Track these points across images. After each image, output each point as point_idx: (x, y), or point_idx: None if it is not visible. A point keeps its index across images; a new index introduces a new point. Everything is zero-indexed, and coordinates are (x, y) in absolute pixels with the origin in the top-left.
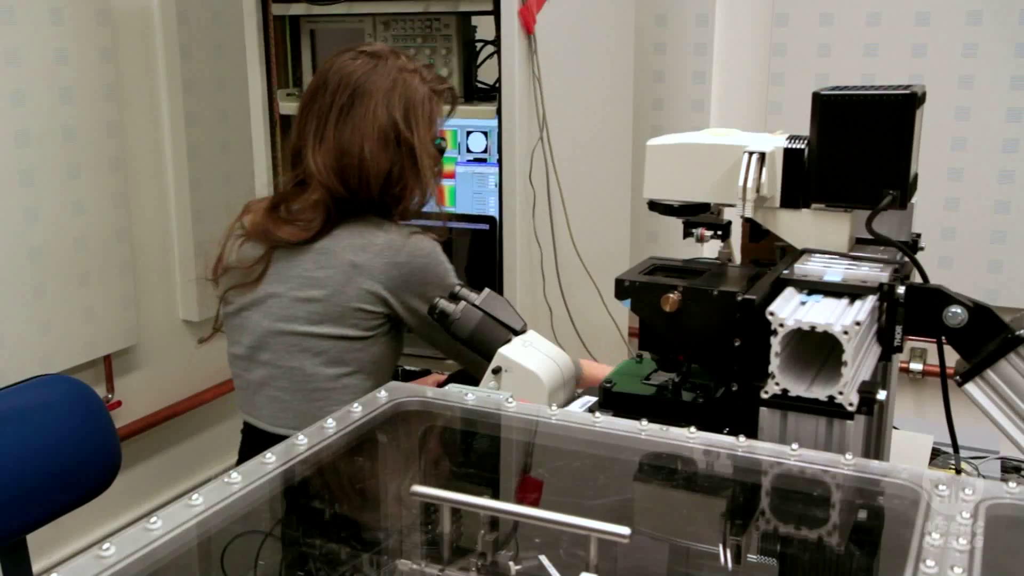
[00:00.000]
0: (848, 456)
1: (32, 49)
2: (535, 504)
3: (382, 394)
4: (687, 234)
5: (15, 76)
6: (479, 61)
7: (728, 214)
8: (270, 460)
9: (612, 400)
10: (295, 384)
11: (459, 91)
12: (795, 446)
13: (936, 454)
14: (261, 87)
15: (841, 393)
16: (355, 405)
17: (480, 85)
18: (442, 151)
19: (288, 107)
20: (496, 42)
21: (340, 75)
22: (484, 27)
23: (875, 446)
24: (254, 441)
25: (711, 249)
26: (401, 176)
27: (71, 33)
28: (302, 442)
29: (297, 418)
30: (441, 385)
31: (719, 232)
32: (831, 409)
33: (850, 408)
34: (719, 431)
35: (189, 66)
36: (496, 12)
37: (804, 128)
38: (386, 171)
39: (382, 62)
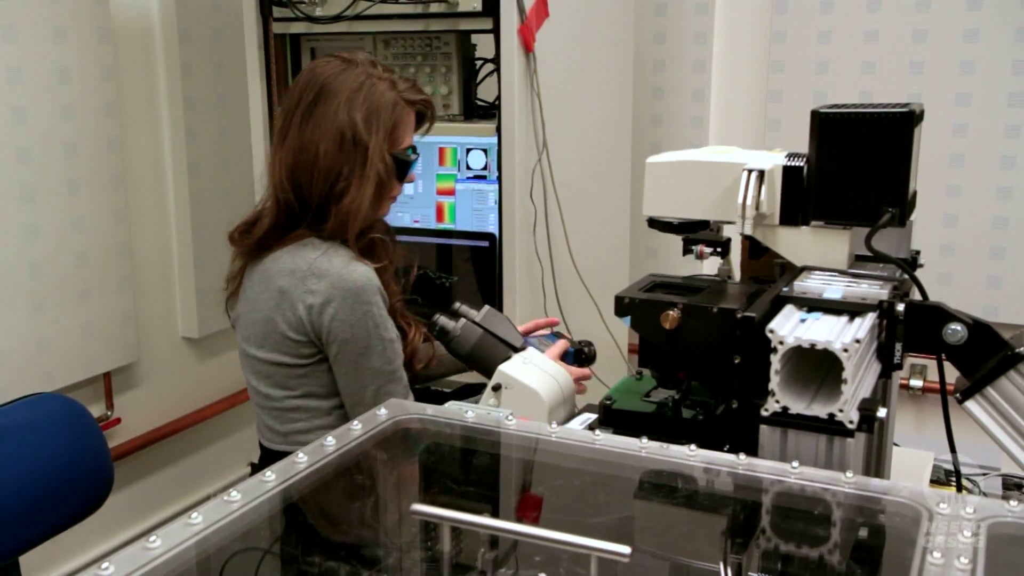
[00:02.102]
0: (849, 474)
1: (34, 67)
2: (535, 522)
3: (382, 411)
4: (687, 251)
5: (17, 93)
6: (479, 79)
7: (727, 231)
8: (270, 478)
9: (612, 417)
10: (260, 403)
11: (459, 109)
12: (795, 464)
13: (937, 471)
14: (261, 104)
15: (841, 411)
16: (355, 423)
17: (480, 103)
18: (408, 164)
19: None
20: (496, 60)
21: (311, 75)
22: (484, 45)
23: (876, 463)
24: (262, 455)
25: (711, 266)
26: (347, 178)
27: (73, 51)
28: (302, 460)
29: (274, 435)
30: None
31: (719, 249)
32: (831, 427)
33: (850, 426)
34: (719, 448)
35: (190, 83)
36: (496, 30)
37: (803, 145)
38: (336, 172)
39: (354, 66)
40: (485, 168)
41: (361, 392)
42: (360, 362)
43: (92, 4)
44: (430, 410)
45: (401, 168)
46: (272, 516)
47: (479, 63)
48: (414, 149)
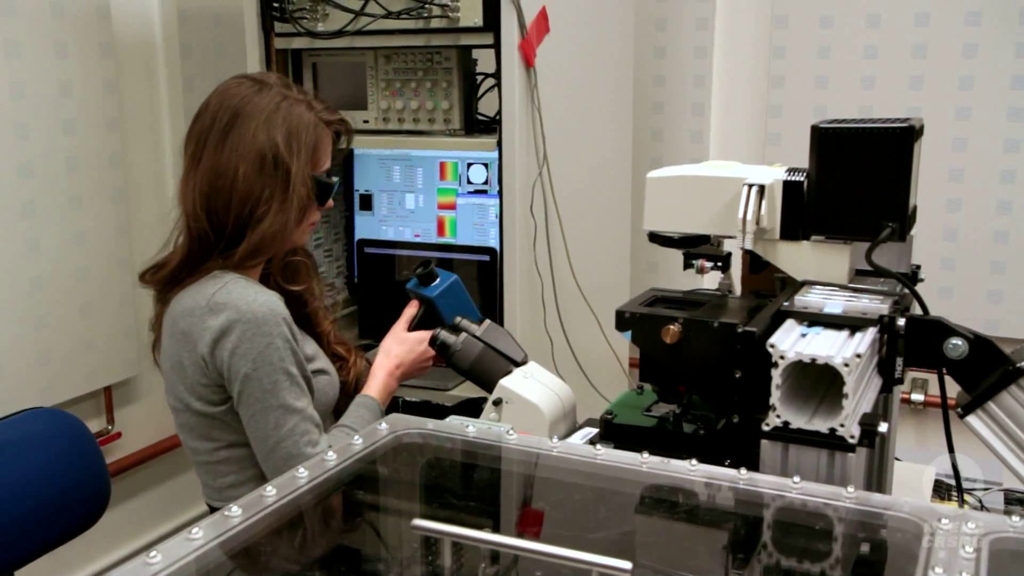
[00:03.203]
0: (850, 489)
1: (36, 82)
2: (536, 537)
3: (383, 426)
4: (687, 265)
5: (19, 108)
6: (480, 94)
7: (728, 246)
8: (270, 493)
9: (613, 432)
10: (191, 457)
11: (460, 123)
12: (797, 479)
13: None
14: None
15: (842, 425)
16: (356, 438)
17: (481, 117)
18: (330, 187)
19: None
20: (496, 75)
21: (223, 97)
22: (485, 60)
23: (877, 478)
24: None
25: (711, 280)
26: (268, 201)
27: (75, 66)
28: (303, 475)
29: (211, 491)
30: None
31: (719, 264)
32: (832, 441)
33: (852, 440)
34: (720, 463)
35: (192, 98)
36: (496, 46)
37: (803, 159)
38: (255, 196)
39: (267, 88)
40: (486, 182)
41: (271, 435)
42: (266, 400)
43: (94, 19)
44: (431, 424)
45: (322, 192)
46: (272, 531)
47: (480, 78)
48: (335, 172)
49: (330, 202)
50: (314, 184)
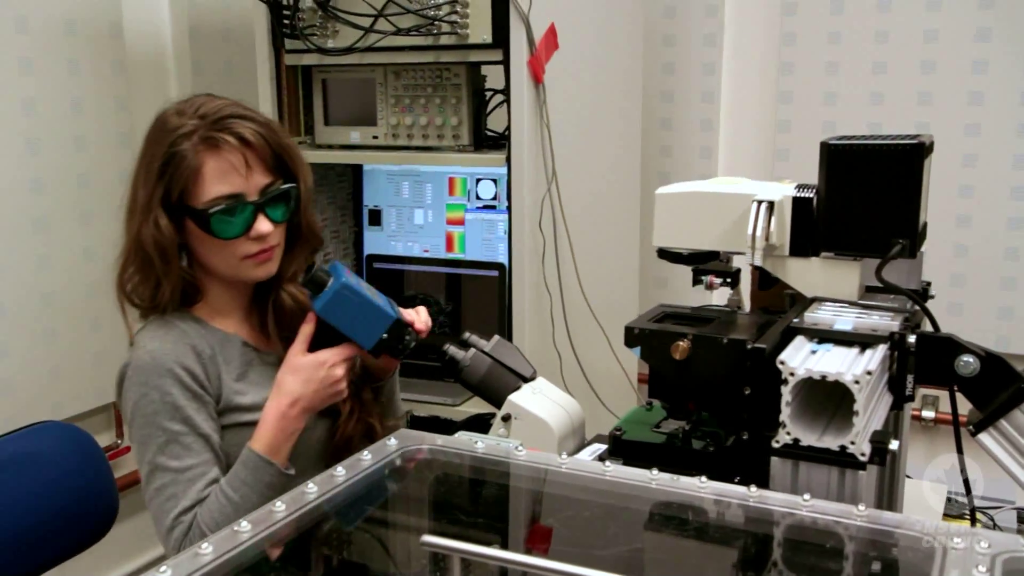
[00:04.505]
0: (861, 507)
1: (49, 98)
2: (545, 554)
3: (392, 442)
4: (696, 282)
5: (32, 124)
6: (489, 110)
7: (737, 262)
8: (280, 508)
9: (622, 448)
10: None
11: (469, 139)
12: (807, 496)
13: (950, 504)
14: None
15: (853, 443)
16: (364, 453)
17: (490, 133)
18: (209, 218)
19: None
20: (505, 91)
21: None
22: (493, 76)
23: (888, 496)
24: None
25: (720, 297)
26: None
27: (88, 82)
28: (312, 490)
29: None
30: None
31: (728, 280)
32: (843, 459)
33: (862, 458)
34: (729, 480)
35: None
36: (506, 62)
37: (811, 176)
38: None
39: (172, 120)
40: (495, 198)
41: (146, 487)
42: (142, 452)
43: (107, 37)
44: (440, 440)
45: (203, 223)
46: (282, 547)
47: (489, 94)
48: (234, 198)
49: (267, 226)
50: (197, 217)
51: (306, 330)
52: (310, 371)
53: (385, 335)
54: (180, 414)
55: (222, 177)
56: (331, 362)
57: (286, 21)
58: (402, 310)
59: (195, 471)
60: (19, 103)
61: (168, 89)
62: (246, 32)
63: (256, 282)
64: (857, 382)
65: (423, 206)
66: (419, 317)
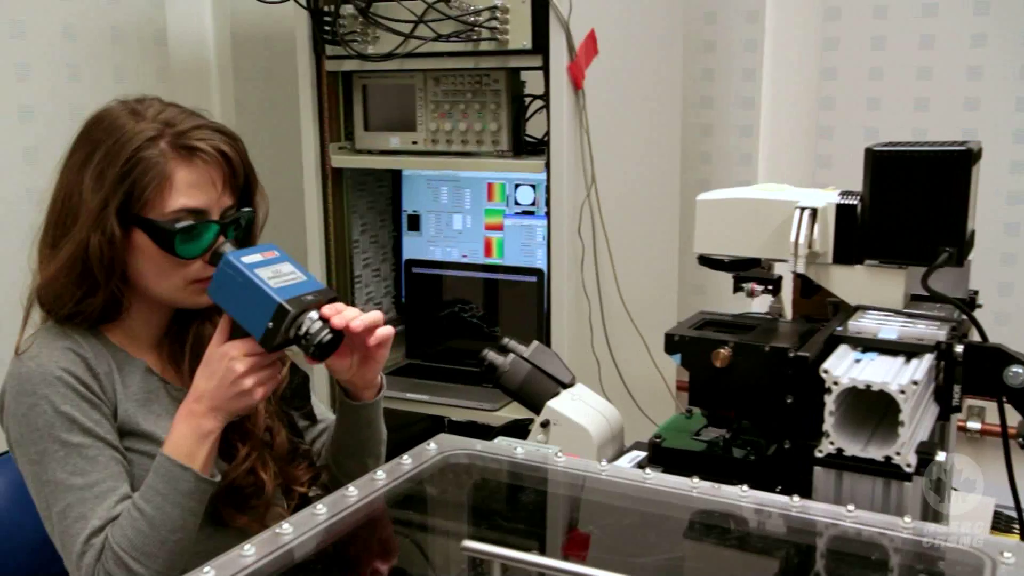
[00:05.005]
0: (907, 519)
1: (95, 105)
2: (585, 561)
3: (431, 446)
4: (737, 289)
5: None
6: (528, 115)
7: (779, 269)
8: (321, 512)
9: (662, 455)
10: None
11: (508, 145)
12: (851, 507)
13: (998, 517)
14: (314, 140)
15: (898, 454)
16: (404, 457)
17: (528, 139)
18: (173, 234)
19: (339, 160)
20: (545, 97)
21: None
22: (533, 82)
23: (934, 508)
24: None
25: (760, 304)
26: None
27: (132, 89)
28: (352, 493)
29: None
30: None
31: (770, 287)
32: (888, 470)
33: (908, 469)
34: (770, 489)
35: (244, 121)
36: (545, 67)
37: (853, 182)
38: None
39: (137, 117)
40: (533, 203)
41: (48, 512)
42: (39, 473)
43: (152, 44)
44: (479, 445)
45: (164, 238)
46: (323, 549)
47: (528, 99)
48: (197, 214)
49: (224, 243)
50: (155, 232)
51: (224, 320)
52: (213, 364)
53: (270, 323)
54: (78, 424)
55: (190, 190)
56: (231, 355)
57: (327, 28)
58: (332, 305)
59: (102, 487)
60: (67, 109)
61: (210, 96)
62: (287, 39)
63: (183, 309)
64: (903, 392)
65: (462, 211)
66: (349, 314)
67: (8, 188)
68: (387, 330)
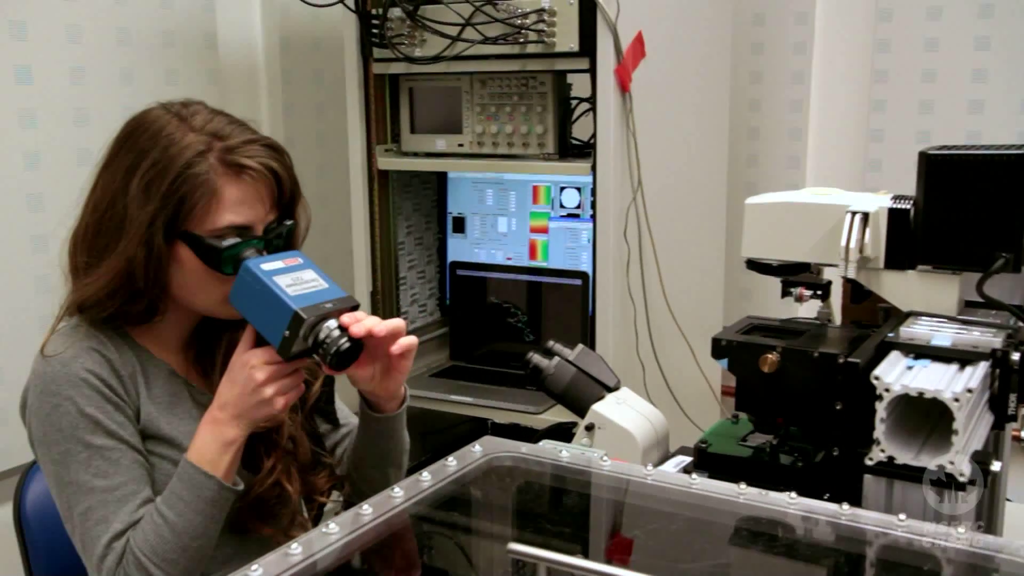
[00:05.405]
0: (960, 529)
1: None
2: (628, 566)
3: (476, 448)
4: (785, 293)
5: None
6: (574, 118)
7: (828, 274)
8: (367, 511)
9: (707, 461)
10: None
11: (554, 147)
12: (902, 516)
13: None
14: (361, 142)
15: (952, 463)
16: (450, 459)
17: (575, 141)
18: (219, 252)
19: (386, 162)
20: (591, 99)
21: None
22: (579, 84)
23: (987, 519)
24: None
25: (808, 309)
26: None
27: (184, 92)
28: (398, 494)
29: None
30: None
31: (819, 292)
32: (942, 479)
33: (962, 479)
34: (818, 497)
35: (292, 123)
36: (592, 70)
37: (904, 186)
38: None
39: (184, 123)
40: (579, 206)
41: (69, 513)
42: (60, 474)
43: (203, 47)
44: (524, 448)
45: (209, 255)
46: (369, 549)
47: (574, 102)
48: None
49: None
50: (202, 248)
51: (249, 328)
52: (235, 371)
53: (287, 331)
54: (102, 426)
55: (238, 207)
56: (251, 363)
57: (375, 31)
58: (352, 313)
59: (125, 489)
60: (119, 110)
61: (259, 98)
62: (335, 42)
63: (217, 318)
64: (957, 400)
65: (507, 214)
66: (370, 322)
67: (66, 190)
68: (411, 340)
